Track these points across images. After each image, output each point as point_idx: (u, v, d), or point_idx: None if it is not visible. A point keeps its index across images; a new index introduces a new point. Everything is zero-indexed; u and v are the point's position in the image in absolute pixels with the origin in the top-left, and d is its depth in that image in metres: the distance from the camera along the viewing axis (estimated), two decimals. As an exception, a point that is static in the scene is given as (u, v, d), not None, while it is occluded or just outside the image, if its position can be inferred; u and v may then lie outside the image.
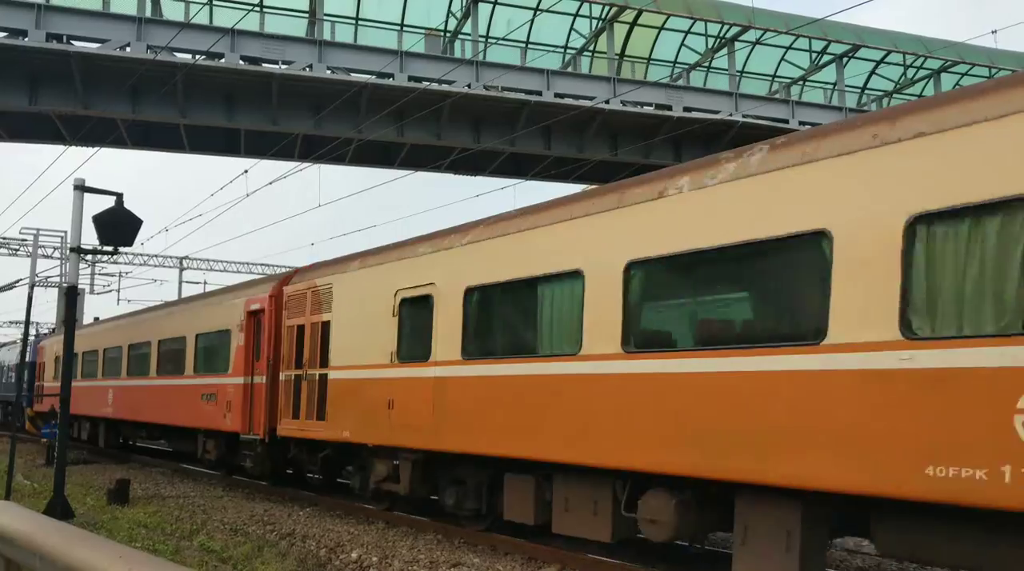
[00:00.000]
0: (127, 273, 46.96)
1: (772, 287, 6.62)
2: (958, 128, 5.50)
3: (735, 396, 6.54)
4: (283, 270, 34.19)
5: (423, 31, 27.11)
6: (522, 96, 25.92)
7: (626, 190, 7.91)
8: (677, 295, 7.45)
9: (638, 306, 7.56)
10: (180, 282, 46.71)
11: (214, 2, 24.90)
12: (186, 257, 47.13)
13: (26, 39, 21.90)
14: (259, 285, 15.62)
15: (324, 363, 12.47)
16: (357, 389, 11.59)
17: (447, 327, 9.83)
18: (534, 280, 8.70)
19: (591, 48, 29.30)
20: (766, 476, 6.28)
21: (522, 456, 8.58)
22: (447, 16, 27.18)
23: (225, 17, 24.99)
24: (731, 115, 28.22)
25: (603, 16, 28.48)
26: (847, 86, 32.11)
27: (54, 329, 33.48)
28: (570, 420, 7.99)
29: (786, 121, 29.24)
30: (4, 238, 40.50)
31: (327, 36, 25.37)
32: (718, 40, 29.79)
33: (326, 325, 12.54)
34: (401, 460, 11.06)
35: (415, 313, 10.50)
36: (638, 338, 7.49)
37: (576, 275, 8.12)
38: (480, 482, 9.99)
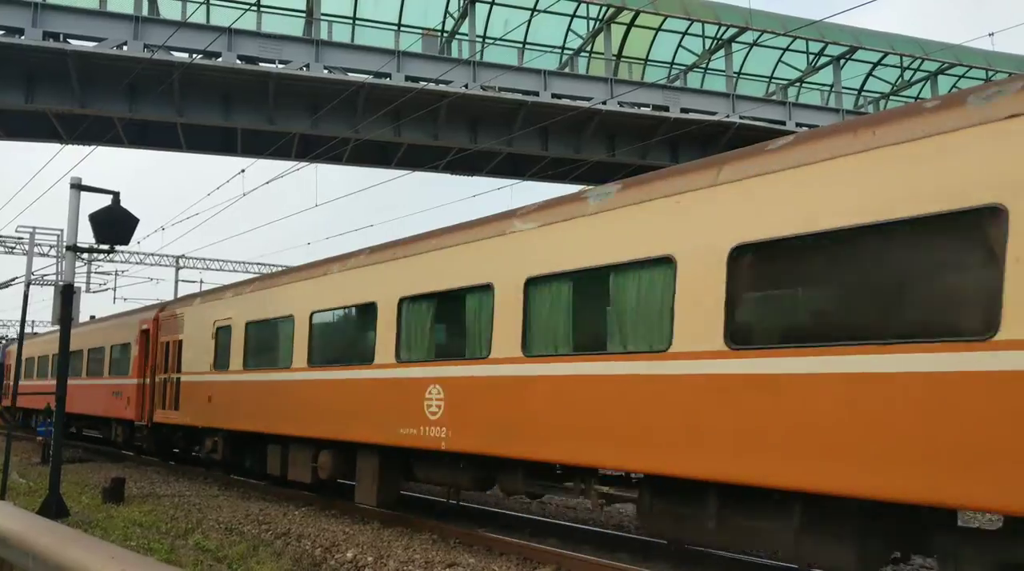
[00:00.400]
0: (123, 271, 46.73)
1: (362, 331, 11.07)
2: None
3: (340, 391, 11.34)
4: (279, 269, 34.25)
5: (420, 31, 27.09)
6: (519, 96, 25.91)
7: (316, 268, 12.63)
8: (330, 334, 12.00)
9: (313, 338, 12.21)
10: (176, 281, 46.49)
11: (211, 1, 24.87)
12: (182, 256, 46.96)
13: (23, 37, 21.86)
14: (150, 310, 20.06)
15: (179, 369, 17.10)
16: (195, 388, 16.22)
17: (238, 347, 14.48)
18: (275, 320, 13.41)
19: (588, 49, 29.31)
20: (362, 436, 10.78)
21: (276, 432, 13.08)
22: (444, 16, 27.17)
23: (222, 16, 24.97)
24: (728, 116, 28.24)
25: (600, 17, 28.49)
26: (844, 88, 32.16)
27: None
28: (293, 408, 12.52)
29: (783, 122, 29.24)
30: (0, 236, 40.46)
31: (324, 36, 25.34)
32: (715, 41, 29.82)
33: (180, 342, 17.20)
34: (218, 437, 15.86)
35: (223, 337, 15.14)
36: (315, 357, 12.14)
37: (290, 318, 12.83)
38: (262, 450, 14.36)
